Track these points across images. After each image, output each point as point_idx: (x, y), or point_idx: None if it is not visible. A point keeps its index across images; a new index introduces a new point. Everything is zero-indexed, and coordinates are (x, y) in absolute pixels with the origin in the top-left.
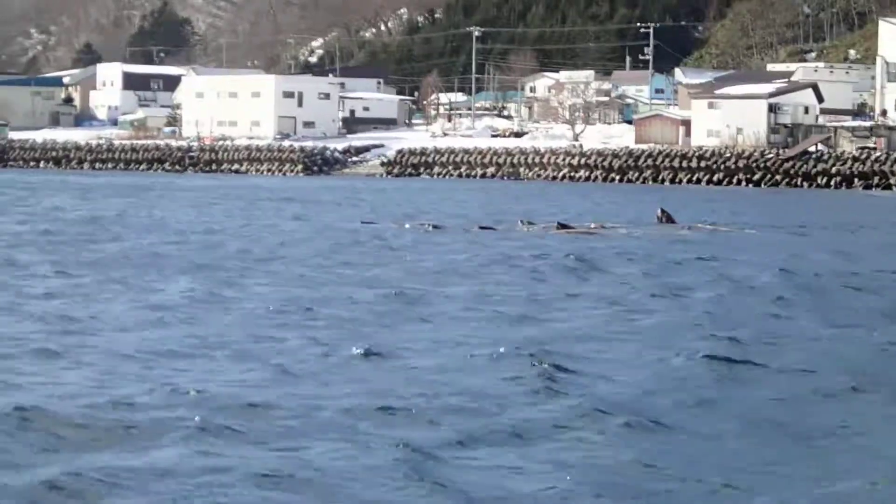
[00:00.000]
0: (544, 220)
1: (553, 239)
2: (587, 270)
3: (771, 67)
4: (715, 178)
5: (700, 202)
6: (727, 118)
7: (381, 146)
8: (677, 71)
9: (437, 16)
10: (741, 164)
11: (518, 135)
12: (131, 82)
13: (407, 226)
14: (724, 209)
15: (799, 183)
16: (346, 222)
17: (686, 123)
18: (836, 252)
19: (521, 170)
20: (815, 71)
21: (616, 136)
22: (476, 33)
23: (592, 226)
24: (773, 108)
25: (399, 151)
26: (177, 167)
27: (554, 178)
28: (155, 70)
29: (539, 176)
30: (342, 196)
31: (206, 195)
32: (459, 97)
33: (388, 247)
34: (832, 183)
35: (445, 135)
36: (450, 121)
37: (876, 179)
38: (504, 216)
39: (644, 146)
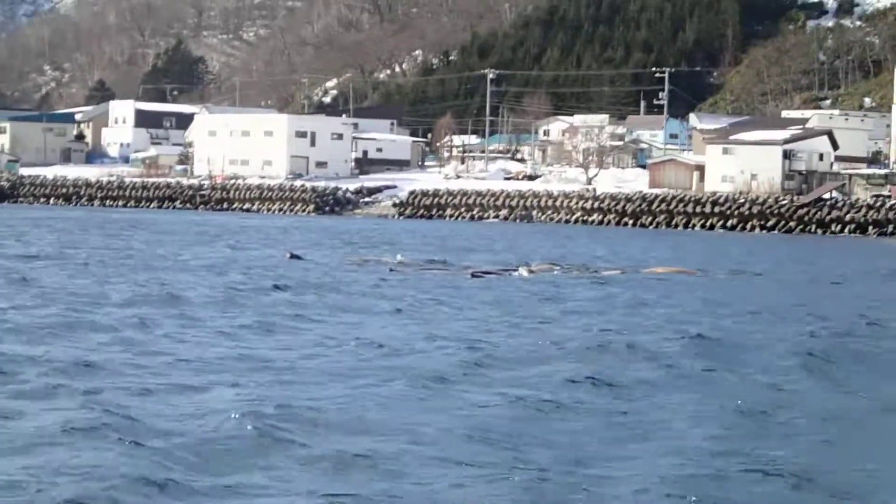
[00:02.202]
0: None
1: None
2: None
3: (786, 114)
4: (728, 224)
5: (694, 246)
6: (742, 164)
7: (394, 187)
8: (692, 116)
9: (451, 58)
10: (755, 209)
11: (531, 178)
12: (144, 120)
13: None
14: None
15: (813, 230)
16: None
17: (700, 168)
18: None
19: (534, 213)
20: (830, 118)
21: (630, 181)
22: (490, 75)
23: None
24: (787, 155)
25: (412, 193)
26: (188, 205)
27: (567, 221)
28: (168, 108)
29: (552, 219)
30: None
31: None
32: (473, 139)
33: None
34: (846, 230)
35: (458, 177)
36: (463, 163)
37: (890, 227)
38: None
39: (658, 191)
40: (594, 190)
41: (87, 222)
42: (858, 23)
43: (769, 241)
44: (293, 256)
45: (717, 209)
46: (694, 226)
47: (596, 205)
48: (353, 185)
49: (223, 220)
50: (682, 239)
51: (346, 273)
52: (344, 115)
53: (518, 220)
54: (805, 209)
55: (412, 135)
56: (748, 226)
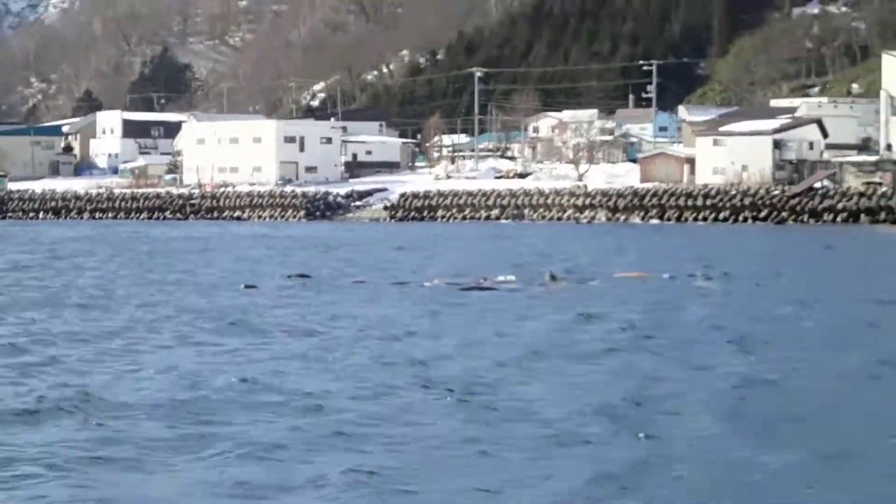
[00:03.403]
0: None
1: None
2: None
3: (774, 103)
4: (720, 216)
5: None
6: (732, 155)
7: (385, 190)
8: (681, 108)
9: (438, 57)
10: (746, 201)
11: (522, 175)
12: (131, 130)
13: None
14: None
15: (805, 219)
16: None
17: (691, 161)
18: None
19: (526, 211)
20: (819, 106)
21: (620, 175)
22: (478, 74)
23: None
24: (777, 145)
25: (402, 195)
26: (178, 215)
27: (559, 218)
28: (155, 117)
29: (544, 217)
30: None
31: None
32: (462, 139)
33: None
34: (838, 219)
35: (449, 177)
36: (453, 163)
37: (883, 215)
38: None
39: (649, 185)
40: (585, 186)
41: (107, 241)
42: (844, 9)
43: (759, 232)
44: (300, 275)
45: (708, 202)
46: (686, 219)
47: (587, 201)
48: (343, 190)
49: (220, 230)
50: (670, 234)
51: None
52: (332, 119)
53: (510, 220)
54: (796, 199)
55: (401, 136)
56: (740, 217)
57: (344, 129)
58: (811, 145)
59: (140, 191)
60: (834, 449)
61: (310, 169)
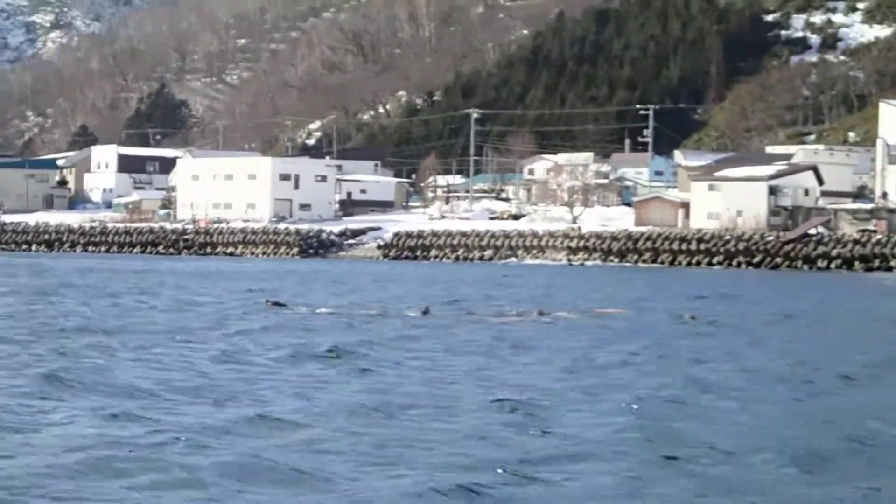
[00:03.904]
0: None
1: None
2: None
3: (770, 150)
4: (714, 261)
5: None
6: (727, 200)
7: (379, 228)
8: (677, 153)
9: (435, 98)
10: (741, 246)
11: (516, 217)
12: (127, 165)
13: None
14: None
15: (799, 266)
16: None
17: (686, 206)
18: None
19: (520, 252)
20: (815, 153)
21: (615, 219)
22: (475, 115)
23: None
24: (773, 191)
25: (396, 234)
26: (171, 250)
27: (553, 260)
28: (150, 152)
29: (536, 258)
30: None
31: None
32: (457, 179)
33: None
34: (832, 265)
35: (443, 217)
36: (447, 203)
37: (877, 262)
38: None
39: (643, 228)
40: (580, 228)
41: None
42: (842, 57)
43: (751, 277)
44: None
45: (702, 246)
46: (679, 263)
47: (581, 244)
48: (337, 228)
49: (212, 265)
50: (661, 278)
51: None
52: (328, 157)
53: (503, 260)
54: (791, 245)
55: (396, 175)
56: (734, 262)
57: (339, 167)
58: (806, 192)
59: (134, 225)
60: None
61: (304, 206)
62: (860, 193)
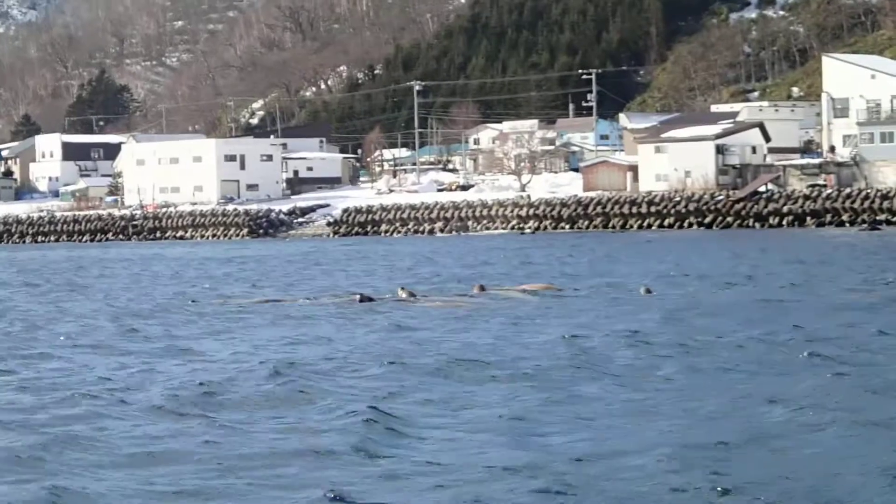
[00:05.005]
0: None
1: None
2: None
3: (715, 108)
4: (665, 223)
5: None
6: (675, 161)
7: (327, 206)
8: (622, 116)
9: (376, 71)
10: (691, 207)
11: (465, 188)
12: (71, 152)
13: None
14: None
15: (751, 224)
16: None
17: (633, 169)
18: None
19: (470, 223)
20: (760, 110)
21: (564, 185)
22: (417, 87)
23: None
24: (720, 150)
25: (345, 210)
26: (120, 237)
27: (503, 229)
28: (94, 139)
29: (487, 229)
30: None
31: None
32: (403, 152)
33: None
34: (784, 222)
35: (391, 191)
36: (395, 177)
37: (828, 217)
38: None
39: (592, 194)
40: (528, 196)
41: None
42: (782, 13)
43: (701, 238)
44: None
45: (652, 209)
46: (631, 226)
47: (531, 212)
48: (285, 206)
49: (168, 251)
50: (609, 243)
51: None
52: (272, 136)
53: (454, 232)
54: (742, 203)
55: (342, 151)
56: (685, 223)
57: (284, 145)
58: (754, 149)
59: (82, 213)
60: None
61: (251, 187)
62: (807, 148)
